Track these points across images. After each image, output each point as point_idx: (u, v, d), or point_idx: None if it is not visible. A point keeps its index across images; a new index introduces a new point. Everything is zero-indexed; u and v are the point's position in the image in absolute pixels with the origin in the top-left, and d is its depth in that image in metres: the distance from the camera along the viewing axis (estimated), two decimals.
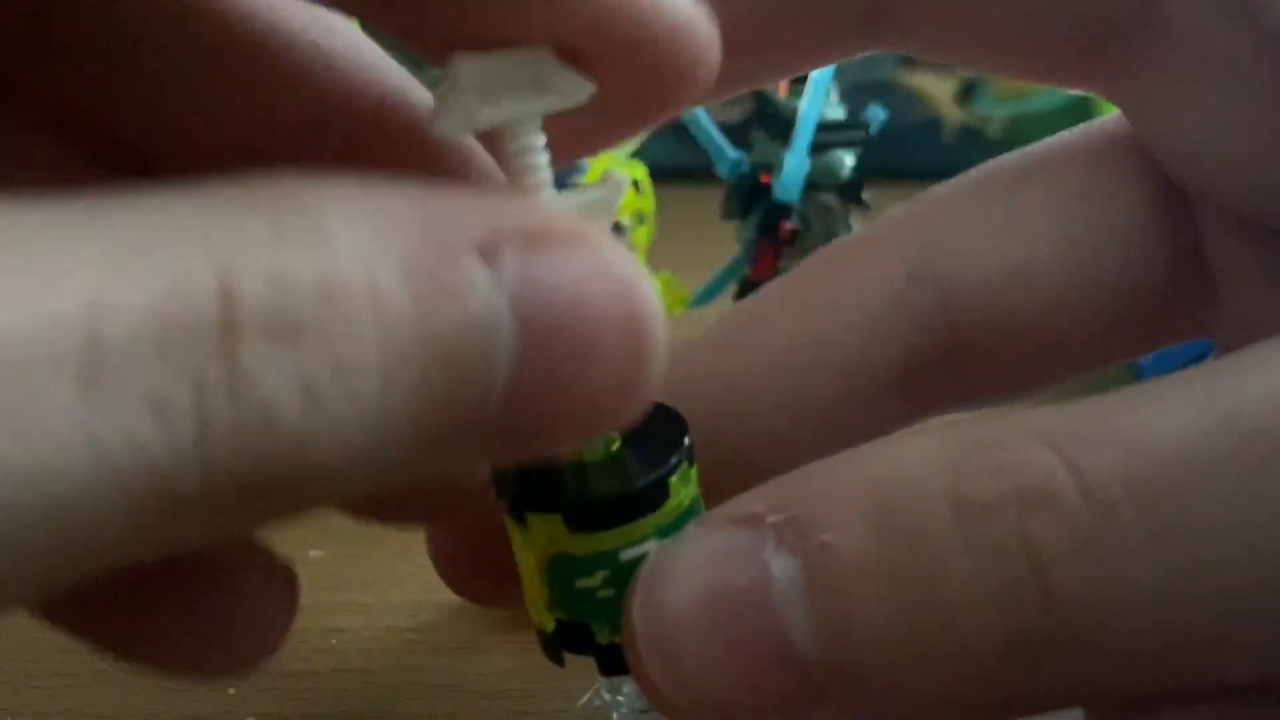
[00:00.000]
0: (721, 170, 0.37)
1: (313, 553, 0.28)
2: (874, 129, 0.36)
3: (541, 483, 0.16)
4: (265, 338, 0.10)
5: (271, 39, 0.15)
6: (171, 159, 0.16)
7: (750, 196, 0.36)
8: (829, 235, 0.37)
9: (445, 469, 0.12)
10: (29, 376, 0.09)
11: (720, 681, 0.13)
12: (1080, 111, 0.42)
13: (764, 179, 0.36)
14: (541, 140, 0.14)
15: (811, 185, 0.36)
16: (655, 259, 0.39)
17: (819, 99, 0.34)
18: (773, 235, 0.36)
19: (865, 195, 0.37)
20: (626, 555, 0.15)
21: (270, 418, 0.10)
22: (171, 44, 0.15)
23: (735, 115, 0.39)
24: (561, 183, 0.37)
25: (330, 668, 0.23)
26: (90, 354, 0.09)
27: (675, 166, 0.48)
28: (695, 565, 0.14)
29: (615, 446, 0.16)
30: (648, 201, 0.37)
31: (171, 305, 0.09)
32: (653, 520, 0.15)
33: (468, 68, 0.13)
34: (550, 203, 0.15)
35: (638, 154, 0.38)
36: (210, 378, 0.09)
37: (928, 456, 0.13)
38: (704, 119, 0.36)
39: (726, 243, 0.38)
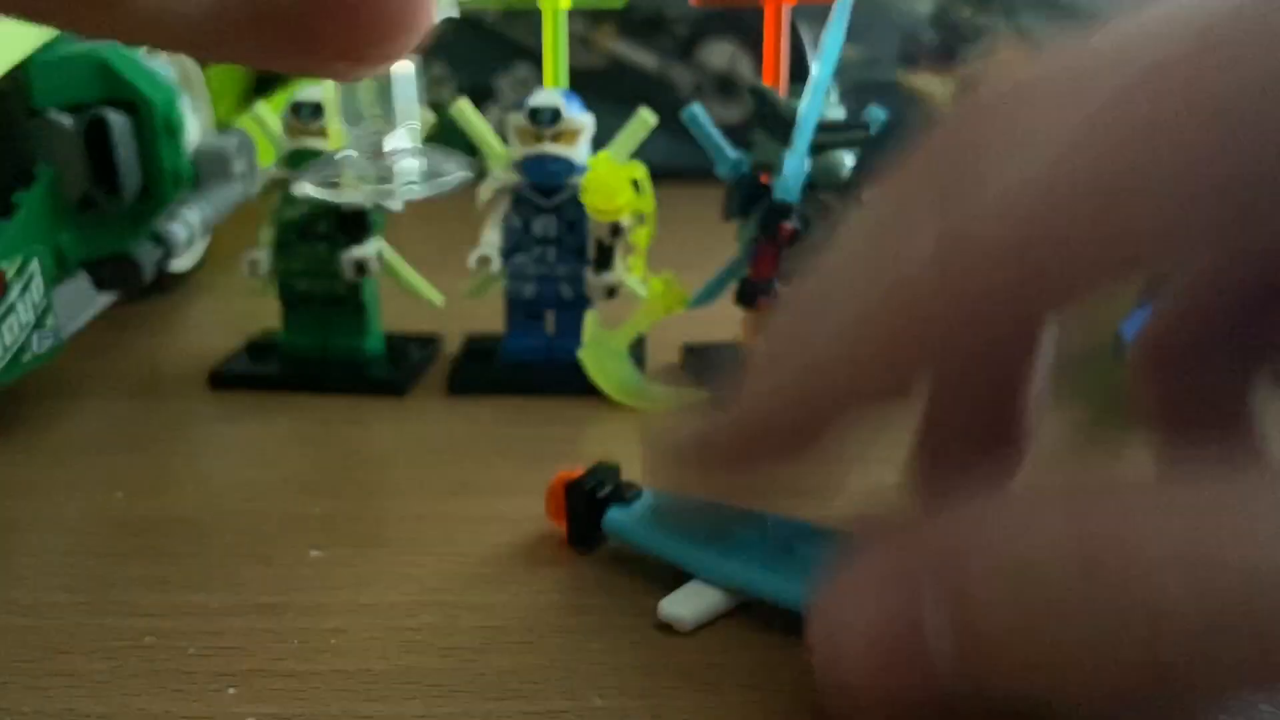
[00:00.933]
0: (721, 170, 0.37)
1: (313, 553, 0.28)
2: (874, 129, 0.36)
3: None
4: None
5: None
6: None
7: (750, 196, 0.36)
8: (830, 236, 0.37)
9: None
10: None
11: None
12: None
13: (764, 179, 0.36)
14: None
15: (812, 185, 0.36)
16: (655, 259, 0.39)
17: (819, 99, 0.34)
18: (773, 235, 0.36)
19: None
20: None
21: None
22: None
23: (735, 115, 0.39)
24: (561, 179, 0.37)
25: (330, 668, 0.23)
26: None
27: (675, 166, 0.48)
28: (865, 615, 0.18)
29: None
30: (648, 201, 0.37)
31: None
32: None
33: None
34: None
35: (638, 154, 0.38)
36: None
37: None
38: (704, 119, 0.36)
39: (726, 243, 0.38)
